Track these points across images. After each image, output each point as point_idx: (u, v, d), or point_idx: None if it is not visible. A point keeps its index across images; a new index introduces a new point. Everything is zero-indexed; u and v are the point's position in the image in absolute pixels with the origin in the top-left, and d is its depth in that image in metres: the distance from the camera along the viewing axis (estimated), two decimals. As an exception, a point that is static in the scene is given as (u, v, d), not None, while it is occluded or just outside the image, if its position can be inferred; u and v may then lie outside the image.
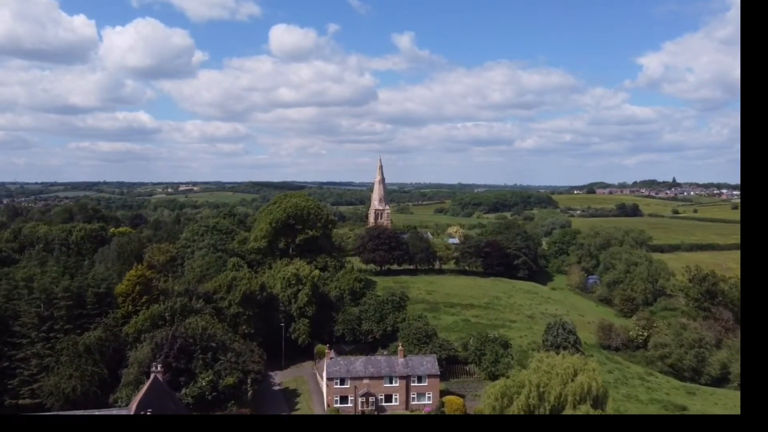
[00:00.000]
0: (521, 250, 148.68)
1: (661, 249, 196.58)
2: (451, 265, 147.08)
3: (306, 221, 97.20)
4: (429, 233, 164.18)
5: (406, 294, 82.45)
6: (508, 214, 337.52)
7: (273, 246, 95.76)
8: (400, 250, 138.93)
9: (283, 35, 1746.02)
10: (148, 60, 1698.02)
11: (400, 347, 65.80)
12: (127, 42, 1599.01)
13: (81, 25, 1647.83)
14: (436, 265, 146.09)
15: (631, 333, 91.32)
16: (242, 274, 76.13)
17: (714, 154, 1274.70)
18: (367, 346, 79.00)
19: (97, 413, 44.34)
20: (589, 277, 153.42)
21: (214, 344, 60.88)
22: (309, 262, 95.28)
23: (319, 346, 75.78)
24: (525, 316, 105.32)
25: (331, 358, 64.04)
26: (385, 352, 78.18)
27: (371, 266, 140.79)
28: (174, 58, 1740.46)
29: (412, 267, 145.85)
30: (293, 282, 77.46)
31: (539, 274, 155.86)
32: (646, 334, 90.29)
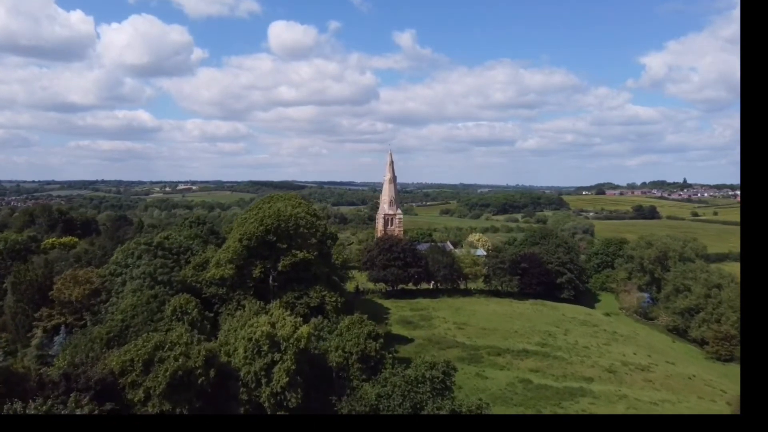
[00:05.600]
0: (565, 265, 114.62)
1: (706, 258, 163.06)
2: (480, 284, 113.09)
3: (293, 237, 62.70)
4: (449, 243, 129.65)
5: (453, 365, 47.92)
6: (518, 216, 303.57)
7: (244, 274, 61.24)
8: (417, 266, 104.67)
9: (282, 33, 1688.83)
10: (146, 57, 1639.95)
11: None
12: (125, 39, 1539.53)
13: (78, 21, 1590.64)
14: (461, 284, 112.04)
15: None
16: (175, 336, 41.68)
17: (717, 156, 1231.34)
18: (390, 454, 44.28)
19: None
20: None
21: None
22: (297, 298, 61.04)
23: (308, 460, 41.30)
24: (602, 368, 71.04)
25: None
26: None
27: (380, 285, 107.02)
28: (173, 56, 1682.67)
29: (430, 286, 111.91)
30: (265, 348, 43.11)
31: (583, 294, 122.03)
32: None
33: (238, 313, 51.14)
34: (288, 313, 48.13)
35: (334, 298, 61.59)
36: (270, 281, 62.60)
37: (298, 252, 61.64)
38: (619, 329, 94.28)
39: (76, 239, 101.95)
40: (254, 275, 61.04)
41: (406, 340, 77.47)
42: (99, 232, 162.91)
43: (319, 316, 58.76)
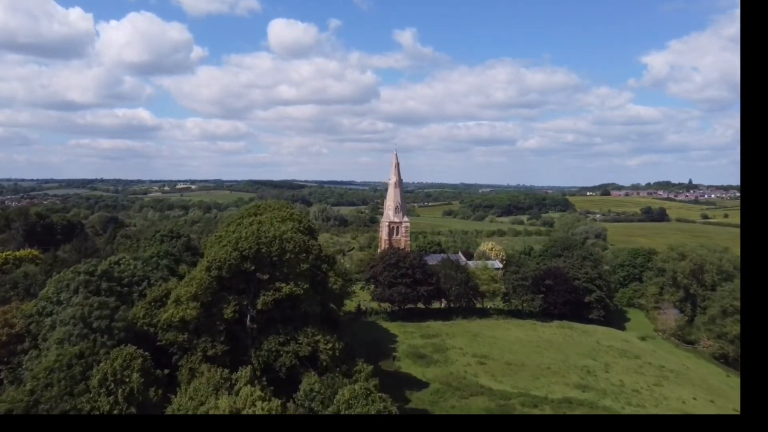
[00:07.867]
0: (594, 281, 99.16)
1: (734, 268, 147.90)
2: (497, 302, 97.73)
3: (277, 265, 47.18)
4: (461, 255, 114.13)
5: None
6: (524, 218, 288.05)
7: (213, 314, 45.73)
8: (428, 284, 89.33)
9: (282, 31, 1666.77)
10: (146, 55, 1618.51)
11: None
12: (124, 36, 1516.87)
13: (77, 18, 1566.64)
14: (477, 303, 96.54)
15: None
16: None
17: (718, 156, 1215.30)
18: None
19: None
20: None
21: None
22: (283, 344, 45.69)
23: None
24: (665, 425, 56.04)
25: None
26: None
27: (385, 304, 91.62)
28: (172, 54, 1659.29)
29: (441, 305, 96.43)
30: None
31: (611, 312, 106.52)
32: None
33: (194, 383, 35.51)
34: (260, 389, 32.53)
35: (330, 345, 46.06)
36: (247, 323, 47.07)
37: (283, 284, 46.12)
38: (664, 361, 78.84)
39: (37, 252, 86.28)
40: (226, 316, 45.42)
41: (419, 384, 62.16)
42: (83, 237, 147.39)
43: (312, 372, 43.51)
